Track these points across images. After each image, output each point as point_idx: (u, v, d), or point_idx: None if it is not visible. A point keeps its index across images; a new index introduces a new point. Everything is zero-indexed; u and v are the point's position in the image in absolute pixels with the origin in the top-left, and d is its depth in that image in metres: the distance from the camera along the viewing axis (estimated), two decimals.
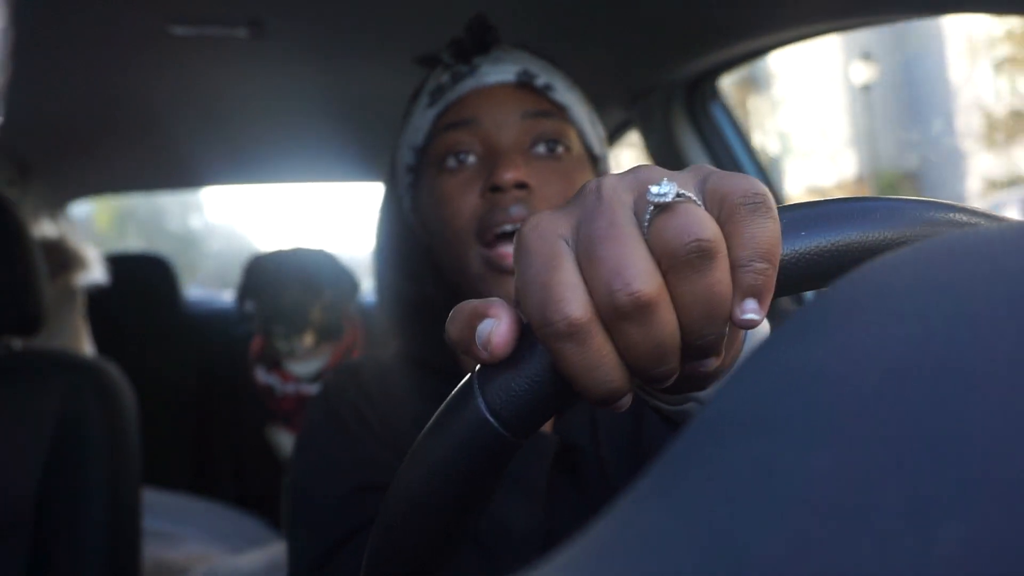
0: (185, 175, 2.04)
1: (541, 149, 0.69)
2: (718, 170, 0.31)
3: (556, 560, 0.17)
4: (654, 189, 0.29)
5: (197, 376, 2.25)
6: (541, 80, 0.71)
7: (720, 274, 0.28)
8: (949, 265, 0.19)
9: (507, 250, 0.64)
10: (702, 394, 0.37)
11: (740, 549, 0.14)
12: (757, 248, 0.28)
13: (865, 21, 1.00)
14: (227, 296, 2.66)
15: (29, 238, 1.03)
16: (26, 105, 1.32)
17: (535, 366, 0.31)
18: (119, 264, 1.93)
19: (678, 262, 0.28)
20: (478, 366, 0.33)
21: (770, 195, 0.29)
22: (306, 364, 1.79)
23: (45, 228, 1.84)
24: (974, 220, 0.31)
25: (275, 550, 1.57)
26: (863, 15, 0.98)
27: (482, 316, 0.31)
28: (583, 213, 0.30)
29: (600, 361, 0.29)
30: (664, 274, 0.28)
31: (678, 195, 0.29)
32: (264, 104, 1.47)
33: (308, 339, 1.76)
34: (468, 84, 0.70)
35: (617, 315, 0.28)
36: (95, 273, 1.73)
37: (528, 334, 0.31)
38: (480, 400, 0.32)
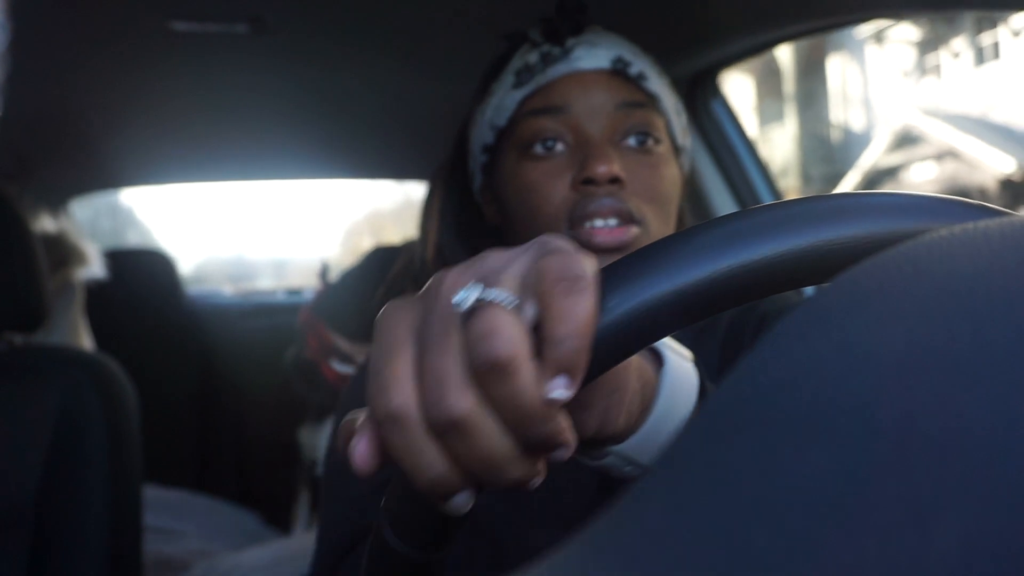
0: (185, 171, 2.04)
1: (632, 141, 0.67)
2: (557, 246, 0.32)
3: (557, 556, 0.17)
4: (455, 298, 0.30)
5: (199, 372, 2.25)
6: (635, 68, 0.68)
7: (521, 381, 0.28)
8: (949, 261, 0.19)
9: (595, 226, 0.63)
10: (620, 447, 0.38)
11: (739, 546, 0.14)
12: (569, 326, 0.28)
13: (869, 16, 1.00)
14: (228, 291, 2.66)
15: (29, 233, 1.03)
16: (26, 100, 1.32)
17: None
18: (119, 260, 1.93)
19: (479, 373, 0.28)
20: (386, 493, 0.34)
21: (590, 274, 0.29)
22: None
23: (45, 223, 1.84)
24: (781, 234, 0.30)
25: (276, 547, 1.57)
26: (867, 11, 0.98)
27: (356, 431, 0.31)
28: (424, 311, 0.31)
29: (420, 448, 0.29)
30: (478, 383, 0.29)
31: (477, 300, 0.29)
32: (265, 100, 1.47)
33: None
34: (560, 68, 0.67)
35: (437, 428, 0.29)
36: (94, 268, 1.73)
37: None
38: (388, 528, 0.33)
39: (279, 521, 1.97)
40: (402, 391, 0.29)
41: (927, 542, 0.12)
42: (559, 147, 0.66)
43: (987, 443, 0.14)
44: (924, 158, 12.02)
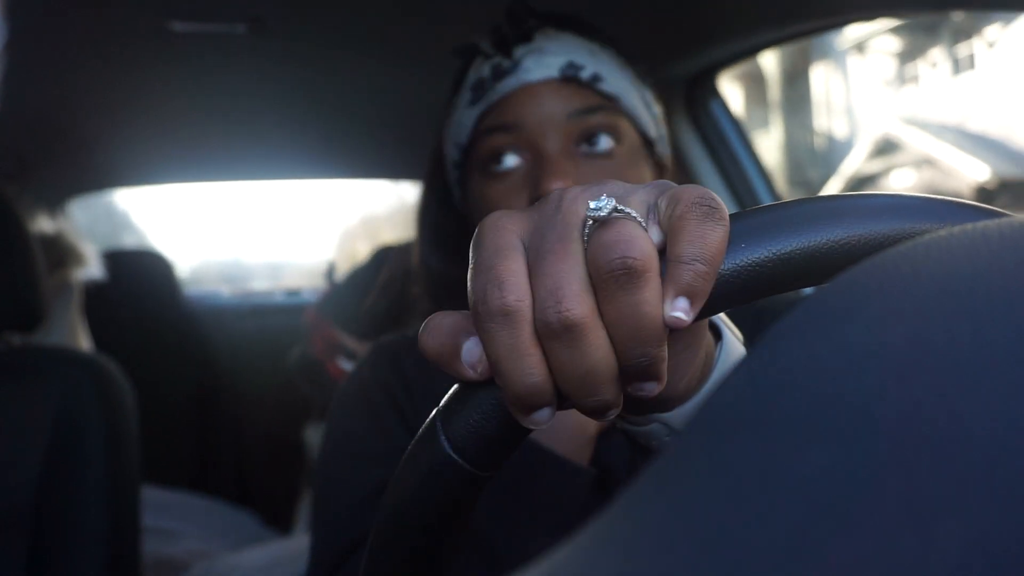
0: (183, 171, 2.04)
1: (589, 147, 0.65)
2: (681, 185, 0.31)
3: (557, 556, 0.17)
4: (592, 204, 0.29)
5: (197, 373, 2.25)
6: (587, 72, 0.65)
7: (648, 294, 0.28)
8: (948, 262, 0.19)
9: None
10: (667, 416, 0.37)
11: (739, 546, 0.14)
12: (701, 249, 0.28)
13: (868, 16, 1.00)
14: (226, 292, 2.66)
15: (27, 233, 1.03)
16: (26, 100, 1.32)
17: (493, 399, 0.31)
18: (118, 261, 1.92)
19: (604, 279, 0.28)
20: (441, 403, 0.33)
21: (724, 207, 0.29)
22: None
23: (42, 224, 1.84)
24: (931, 214, 0.30)
25: (275, 547, 1.57)
26: (865, 11, 0.98)
27: (466, 332, 0.30)
28: (540, 221, 0.31)
29: (526, 351, 0.29)
30: (596, 293, 0.28)
31: (615, 211, 0.29)
32: (263, 101, 1.47)
33: None
34: (510, 83, 0.65)
35: (548, 332, 0.28)
36: (92, 269, 1.72)
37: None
38: (443, 438, 0.32)
39: (278, 521, 1.97)
40: (518, 287, 0.28)
41: (927, 542, 0.12)
42: (516, 164, 0.65)
43: (987, 443, 0.14)
44: (903, 165, 12.16)
